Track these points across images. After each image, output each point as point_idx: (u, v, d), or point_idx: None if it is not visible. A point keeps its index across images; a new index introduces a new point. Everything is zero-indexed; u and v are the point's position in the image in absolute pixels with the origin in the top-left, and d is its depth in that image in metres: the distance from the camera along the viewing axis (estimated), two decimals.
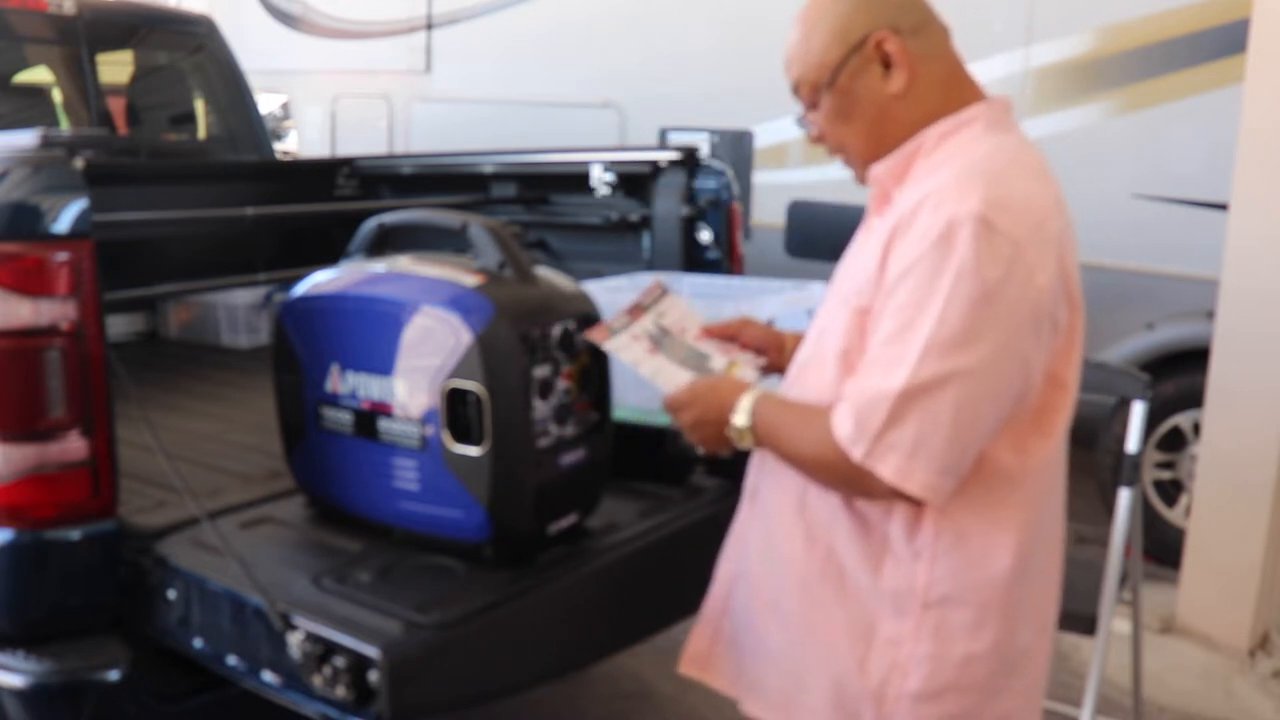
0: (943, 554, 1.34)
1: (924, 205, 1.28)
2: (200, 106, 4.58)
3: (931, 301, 1.24)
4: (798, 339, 1.64)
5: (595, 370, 1.76)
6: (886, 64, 1.36)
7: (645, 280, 2.66)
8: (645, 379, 1.56)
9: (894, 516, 1.35)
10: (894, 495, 1.29)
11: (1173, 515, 4.05)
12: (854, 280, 1.38)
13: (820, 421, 1.32)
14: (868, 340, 1.32)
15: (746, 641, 1.53)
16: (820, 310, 1.51)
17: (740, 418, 1.41)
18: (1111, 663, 2.63)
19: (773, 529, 1.48)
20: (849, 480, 1.32)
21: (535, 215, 3.37)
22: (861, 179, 1.45)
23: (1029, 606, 1.42)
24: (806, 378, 1.45)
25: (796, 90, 1.43)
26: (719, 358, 1.59)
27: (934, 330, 1.23)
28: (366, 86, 6.38)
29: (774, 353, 1.66)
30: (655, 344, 1.59)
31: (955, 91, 1.39)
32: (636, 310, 1.62)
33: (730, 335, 1.67)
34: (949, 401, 1.24)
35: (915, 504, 1.32)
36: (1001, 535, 1.35)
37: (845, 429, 1.28)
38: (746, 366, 1.60)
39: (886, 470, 1.26)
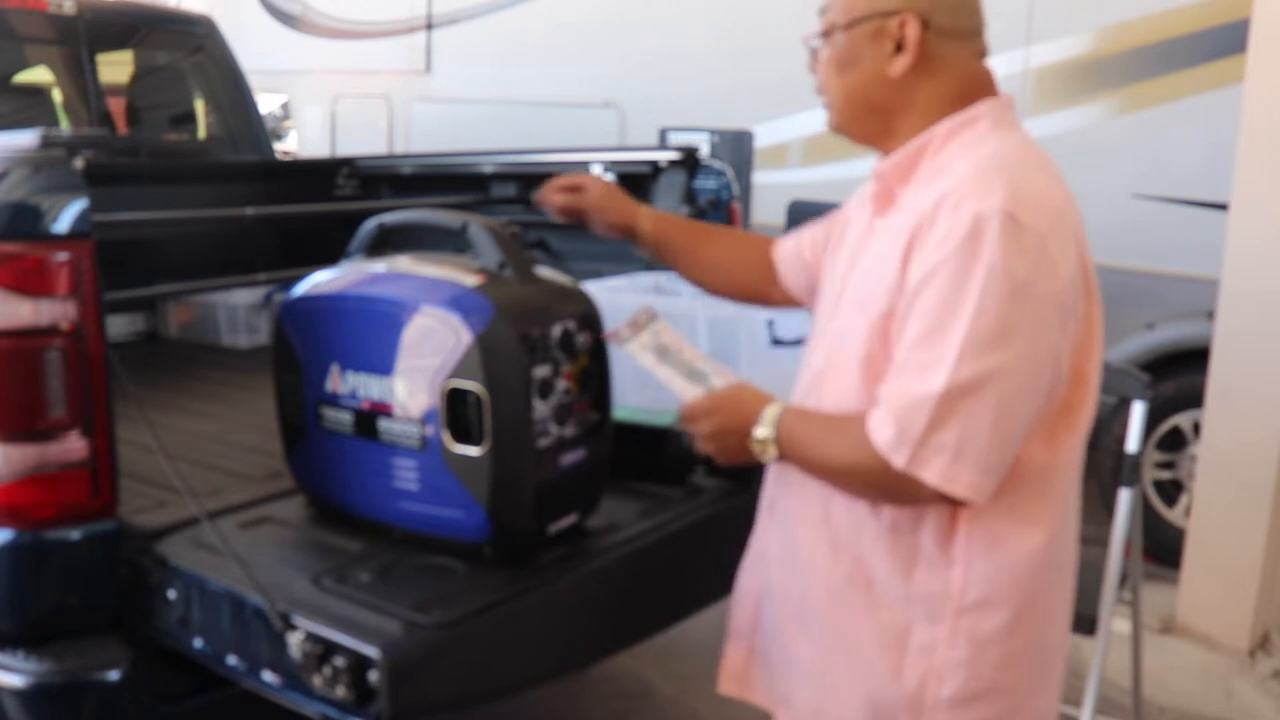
0: (978, 557, 1.33)
1: (943, 205, 1.27)
2: (200, 106, 4.59)
3: (964, 301, 1.23)
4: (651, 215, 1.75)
5: (595, 370, 1.76)
6: (899, 46, 1.35)
7: (645, 279, 2.67)
8: (661, 383, 1.56)
9: (925, 523, 1.34)
10: (937, 499, 1.28)
11: (1173, 515, 4.05)
12: (868, 285, 1.36)
13: (852, 430, 1.31)
14: (891, 345, 1.31)
15: (776, 655, 1.52)
16: (822, 314, 1.50)
17: (764, 430, 1.39)
18: (1111, 663, 2.64)
19: (795, 541, 1.47)
20: (887, 488, 1.30)
21: (535, 215, 3.37)
22: (834, 128, 1.46)
23: (1057, 602, 1.42)
24: (824, 386, 1.43)
25: (823, 10, 1.43)
26: (717, 377, 1.58)
27: (969, 329, 1.22)
28: (366, 86, 6.38)
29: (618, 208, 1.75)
30: (660, 358, 1.59)
31: (954, 107, 1.37)
32: (635, 326, 1.62)
33: (575, 186, 1.74)
34: (990, 400, 1.23)
35: (949, 508, 1.31)
36: (1034, 533, 1.35)
37: (885, 435, 1.26)
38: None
39: (931, 475, 1.25)
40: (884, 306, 1.32)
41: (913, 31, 1.34)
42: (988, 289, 1.22)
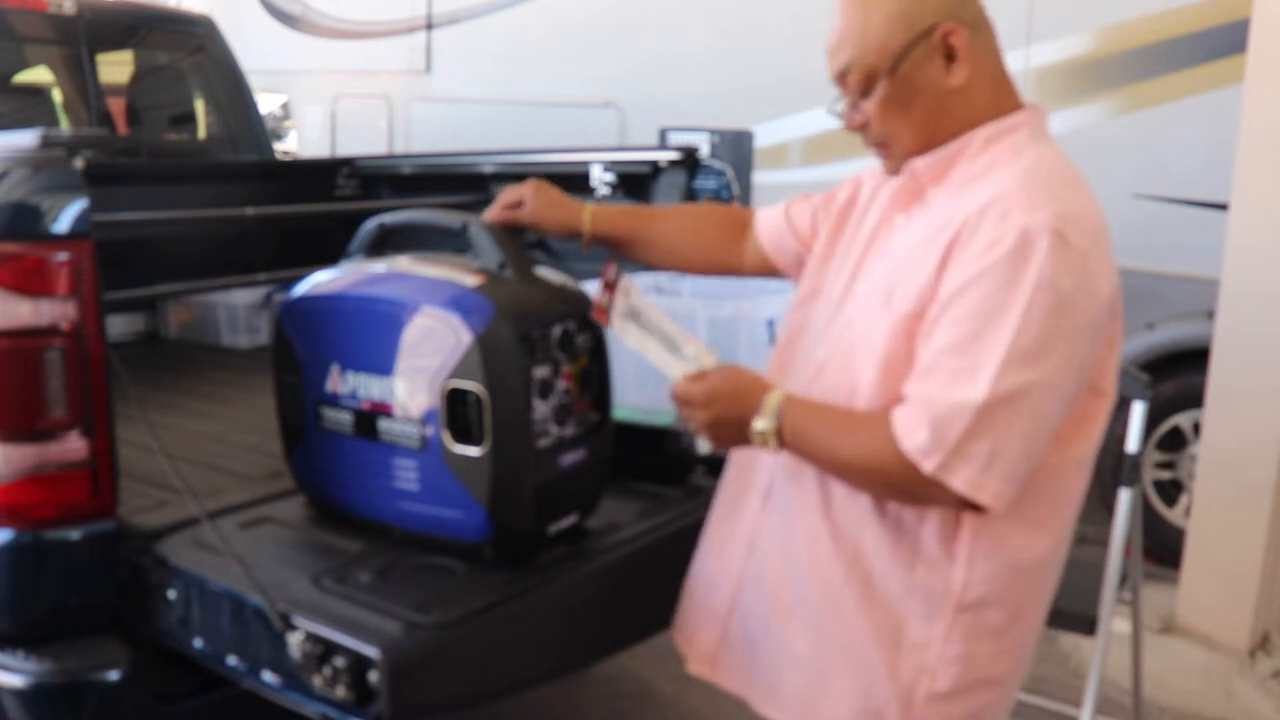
0: (981, 557, 1.34)
1: (989, 213, 1.27)
2: (200, 106, 4.58)
3: (1007, 312, 1.22)
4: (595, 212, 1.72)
5: (595, 370, 1.76)
6: (950, 56, 1.33)
7: (645, 279, 2.67)
8: (653, 365, 1.54)
9: (927, 521, 1.34)
10: (957, 504, 1.28)
11: (1173, 515, 4.05)
12: (897, 282, 1.35)
13: (870, 428, 1.30)
14: (915, 346, 1.30)
15: (763, 644, 1.52)
16: (826, 299, 1.49)
17: (765, 421, 1.37)
18: (1111, 663, 2.63)
19: (793, 531, 1.46)
20: (908, 489, 1.30)
21: None
22: (896, 170, 1.42)
23: (1046, 600, 1.45)
24: (827, 376, 1.42)
25: (843, 75, 1.38)
26: (685, 344, 1.53)
27: (1013, 341, 1.22)
28: (366, 86, 6.38)
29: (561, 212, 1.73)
30: (639, 324, 1.55)
31: (1002, 91, 1.38)
32: (610, 287, 1.58)
33: (514, 203, 1.72)
34: (1024, 413, 1.24)
35: (954, 509, 1.31)
36: (1037, 536, 1.36)
37: (917, 439, 1.26)
38: (708, 356, 1.52)
39: (958, 482, 1.25)
40: (912, 307, 1.31)
41: (960, 38, 1.33)
42: (1034, 303, 1.22)
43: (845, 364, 1.39)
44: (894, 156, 1.41)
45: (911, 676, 1.37)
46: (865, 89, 1.37)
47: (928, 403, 1.26)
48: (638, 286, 1.60)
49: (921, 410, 1.26)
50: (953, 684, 1.36)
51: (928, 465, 1.25)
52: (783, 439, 1.37)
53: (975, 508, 1.29)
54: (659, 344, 1.53)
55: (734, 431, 1.41)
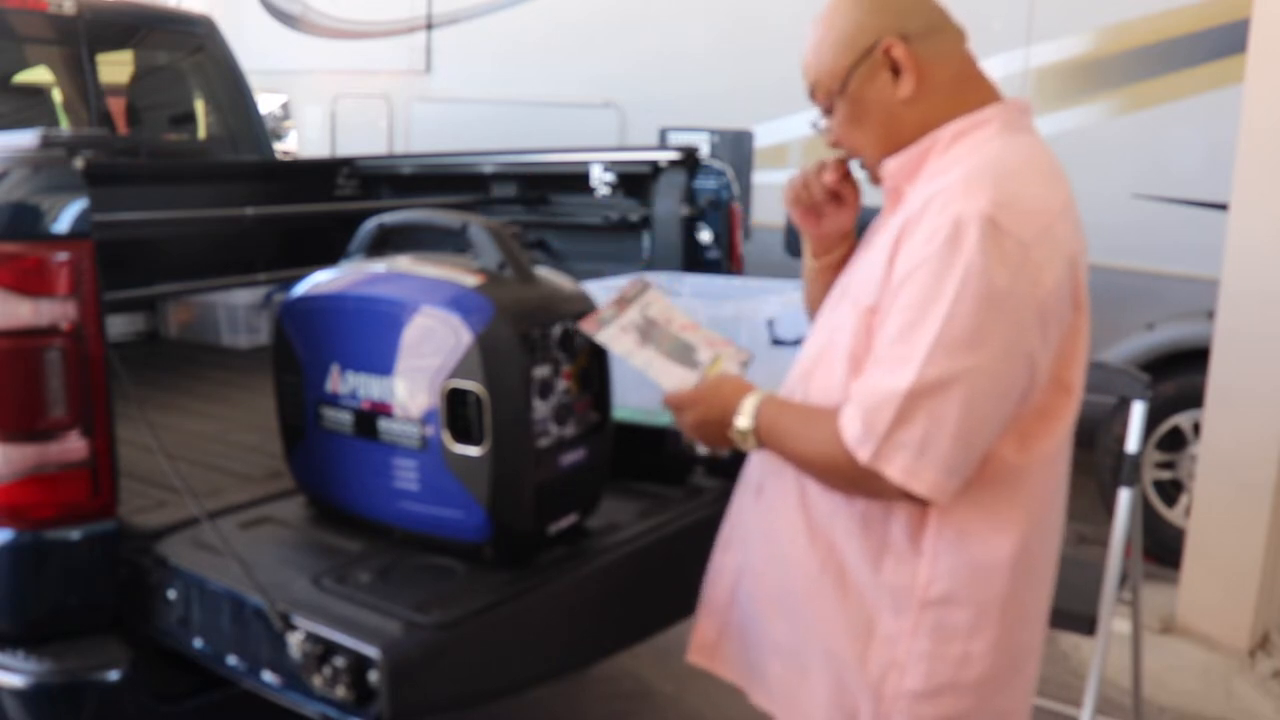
0: (944, 553, 1.34)
1: (931, 205, 1.29)
2: (200, 106, 4.59)
3: (939, 301, 1.24)
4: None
5: (595, 370, 1.76)
6: (895, 70, 1.37)
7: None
8: (638, 370, 1.56)
9: (895, 515, 1.35)
10: (901, 496, 1.29)
11: (1173, 515, 4.05)
12: (863, 279, 1.38)
13: (825, 423, 1.32)
14: (873, 339, 1.32)
15: (753, 634, 1.54)
16: (827, 307, 1.51)
17: (743, 420, 1.41)
18: (1111, 663, 2.64)
19: (776, 524, 1.49)
20: (855, 481, 1.32)
21: (535, 215, 3.38)
22: (875, 181, 1.46)
23: (1028, 605, 1.42)
24: (814, 378, 1.44)
25: (812, 95, 1.45)
26: (704, 350, 1.57)
27: (941, 330, 1.23)
28: (366, 86, 6.38)
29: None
30: (643, 336, 1.57)
31: (965, 94, 1.39)
32: (622, 303, 1.60)
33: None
34: (956, 401, 1.24)
35: (918, 503, 1.32)
36: (1003, 534, 1.35)
37: (853, 430, 1.28)
38: (731, 361, 1.58)
39: (893, 470, 1.26)
40: (871, 301, 1.33)
41: (899, 51, 1.36)
42: (962, 292, 1.23)
43: (828, 361, 1.42)
44: (868, 168, 1.46)
45: (881, 670, 1.38)
46: (827, 107, 1.44)
47: (863, 394, 1.29)
48: (662, 300, 1.62)
49: (859, 401, 1.29)
50: (921, 683, 1.36)
51: (863, 454, 1.27)
52: (760, 437, 1.41)
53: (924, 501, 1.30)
54: (660, 353, 1.55)
55: (717, 432, 1.45)
